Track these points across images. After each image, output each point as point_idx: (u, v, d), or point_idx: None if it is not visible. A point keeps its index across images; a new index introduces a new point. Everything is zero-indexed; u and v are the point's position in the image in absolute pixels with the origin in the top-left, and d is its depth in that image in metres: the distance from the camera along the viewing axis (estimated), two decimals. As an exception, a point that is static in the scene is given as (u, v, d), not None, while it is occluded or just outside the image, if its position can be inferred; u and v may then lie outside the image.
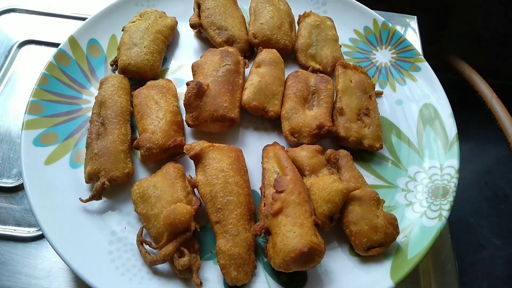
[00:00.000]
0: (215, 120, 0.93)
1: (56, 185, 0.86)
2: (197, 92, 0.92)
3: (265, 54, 1.03)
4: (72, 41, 1.04)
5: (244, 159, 0.90)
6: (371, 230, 0.81)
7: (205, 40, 1.14)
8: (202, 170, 0.84)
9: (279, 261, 0.75)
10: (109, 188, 0.84)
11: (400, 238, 0.85)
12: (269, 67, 1.01)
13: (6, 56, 1.18)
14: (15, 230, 0.92)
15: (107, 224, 0.84)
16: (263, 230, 0.79)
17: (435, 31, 1.77)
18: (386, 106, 1.07)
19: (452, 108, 1.03)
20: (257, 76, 1.00)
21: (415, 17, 1.40)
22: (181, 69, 1.09)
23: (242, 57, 1.04)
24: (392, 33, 1.17)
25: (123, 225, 0.84)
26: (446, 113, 1.03)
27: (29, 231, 0.92)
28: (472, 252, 1.56)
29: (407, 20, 1.40)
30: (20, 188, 0.97)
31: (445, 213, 0.87)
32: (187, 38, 1.15)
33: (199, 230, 0.80)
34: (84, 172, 0.87)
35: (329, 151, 0.92)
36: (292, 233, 0.75)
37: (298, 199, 0.79)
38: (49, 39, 1.22)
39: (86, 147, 0.89)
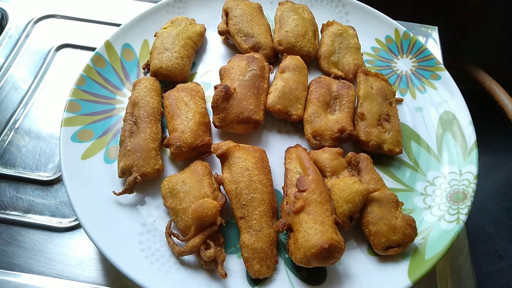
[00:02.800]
0: (240, 122, 0.97)
1: (92, 179, 0.91)
2: (224, 95, 0.97)
3: (289, 61, 1.08)
4: (108, 45, 1.10)
5: (268, 160, 0.94)
6: (390, 230, 0.84)
7: (232, 46, 1.19)
8: (228, 168, 0.89)
9: (300, 256, 0.78)
10: (140, 183, 0.89)
11: (418, 240, 0.87)
12: (293, 72, 1.05)
13: (45, 59, 1.26)
14: (50, 220, 0.98)
15: (138, 216, 0.88)
16: (285, 227, 0.83)
17: (456, 42, 1.78)
18: (406, 113, 1.10)
19: (472, 118, 1.05)
20: (281, 81, 1.04)
21: (436, 27, 1.42)
22: (208, 73, 1.14)
23: (267, 63, 1.09)
24: (413, 43, 1.20)
25: (153, 218, 0.89)
26: (466, 120, 1.05)
27: (62, 222, 0.98)
28: (490, 262, 1.55)
29: (429, 31, 1.42)
30: (55, 181, 1.03)
31: (463, 217, 0.89)
32: (215, 44, 1.20)
33: (224, 224, 0.84)
34: (118, 167, 0.92)
35: (350, 154, 0.94)
36: (313, 230, 0.78)
37: (319, 198, 0.83)
38: (85, 43, 1.29)
39: (119, 144, 0.95)
